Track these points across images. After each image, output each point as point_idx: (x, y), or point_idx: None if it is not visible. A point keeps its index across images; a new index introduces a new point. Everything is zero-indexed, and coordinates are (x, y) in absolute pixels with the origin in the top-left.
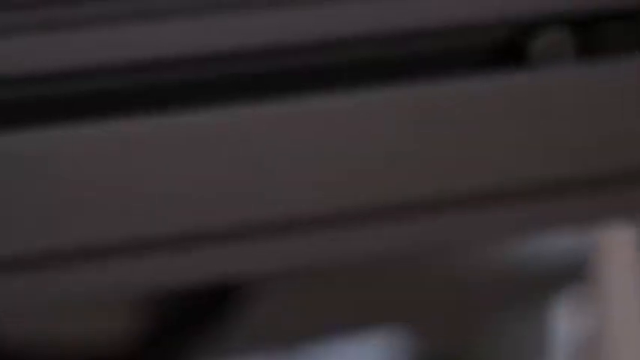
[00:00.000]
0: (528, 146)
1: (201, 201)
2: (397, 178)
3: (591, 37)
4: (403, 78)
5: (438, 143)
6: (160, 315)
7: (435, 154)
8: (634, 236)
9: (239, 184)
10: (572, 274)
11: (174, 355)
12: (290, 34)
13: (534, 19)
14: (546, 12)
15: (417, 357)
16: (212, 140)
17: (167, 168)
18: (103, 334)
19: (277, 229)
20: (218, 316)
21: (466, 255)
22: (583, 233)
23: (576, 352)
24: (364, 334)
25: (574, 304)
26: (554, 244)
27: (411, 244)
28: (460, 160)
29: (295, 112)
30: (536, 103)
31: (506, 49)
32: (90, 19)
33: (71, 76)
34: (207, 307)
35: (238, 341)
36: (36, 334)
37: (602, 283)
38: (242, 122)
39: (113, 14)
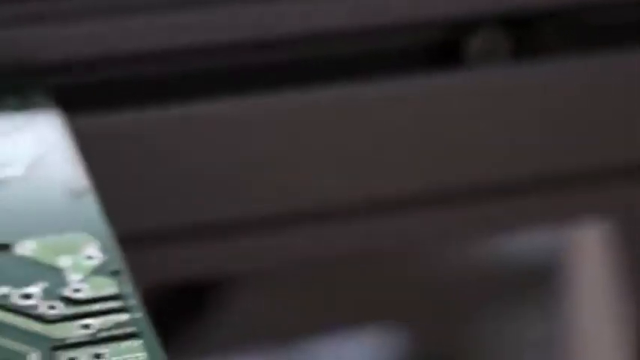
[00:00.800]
0: (470, 147)
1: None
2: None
3: (527, 36)
4: (336, 78)
5: (378, 145)
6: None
7: (379, 155)
8: (606, 234)
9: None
10: (544, 273)
11: None
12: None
13: (470, 18)
14: (482, 11)
15: (410, 355)
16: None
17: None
18: None
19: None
20: (201, 313)
21: (450, 253)
22: (554, 231)
23: (550, 351)
24: (357, 332)
25: (547, 302)
26: (526, 242)
27: (373, 243)
28: (404, 163)
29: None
30: (474, 103)
31: (441, 48)
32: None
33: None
34: (189, 304)
35: (225, 339)
36: None
37: (574, 281)
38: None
39: None
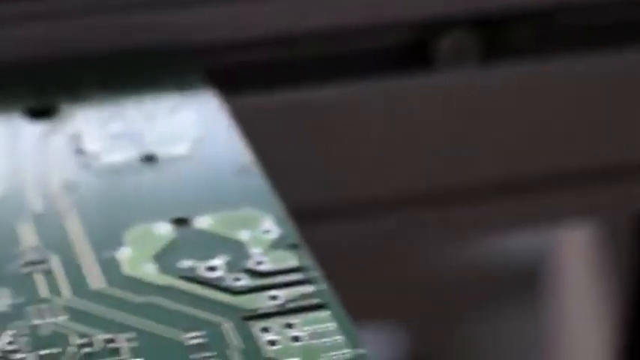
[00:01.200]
0: (442, 149)
1: None
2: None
3: (498, 37)
4: (307, 79)
5: (355, 146)
6: None
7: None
8: (591, 235)
9: None
10: (531, 274)
11: None
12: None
13: (440, 19)
14: (452, 12)
15: (409, 355)
16: None
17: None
18: None
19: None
20: None
21: (444, 254)
22: (541, 233)
23: (538, 350)
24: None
25: (534, 302)
26: (513, 244)
27: (372, 243)
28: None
29: None
30: (444, 104)
31: (411, 49)
32: None
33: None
34: None
35: None
36: None
37: (560, 282)
38: None
39: None
